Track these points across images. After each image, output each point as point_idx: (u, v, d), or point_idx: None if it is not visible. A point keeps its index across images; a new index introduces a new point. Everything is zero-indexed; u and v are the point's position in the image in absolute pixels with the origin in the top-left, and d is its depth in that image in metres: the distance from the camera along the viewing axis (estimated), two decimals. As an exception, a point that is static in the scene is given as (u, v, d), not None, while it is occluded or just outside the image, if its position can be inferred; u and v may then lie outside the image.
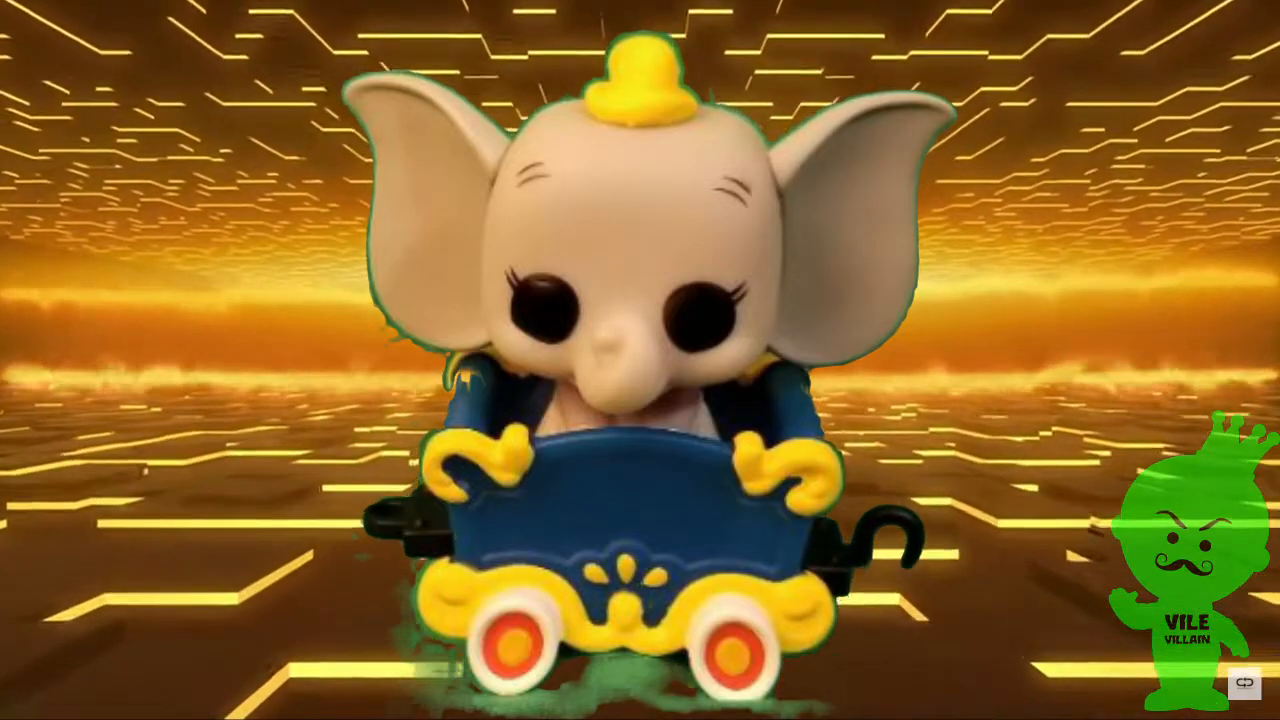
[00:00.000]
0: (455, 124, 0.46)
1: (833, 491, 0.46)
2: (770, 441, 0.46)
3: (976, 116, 2.95)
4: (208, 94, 2.66)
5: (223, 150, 3.30)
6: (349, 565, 0.92)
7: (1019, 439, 2.27)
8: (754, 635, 0.48)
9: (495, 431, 0.47)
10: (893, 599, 0.82)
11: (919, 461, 1.81)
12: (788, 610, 0.49)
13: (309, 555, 0.98)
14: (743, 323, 0.44)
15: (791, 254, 0.48)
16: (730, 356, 0.45)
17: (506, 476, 0.46)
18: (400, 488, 1.39)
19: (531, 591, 0.49)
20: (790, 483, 0.46)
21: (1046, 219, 4.98)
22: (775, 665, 0.48)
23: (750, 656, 0.48)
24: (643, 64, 0.44)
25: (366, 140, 0.50)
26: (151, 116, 2.94)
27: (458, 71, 2.42)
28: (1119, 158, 3.64)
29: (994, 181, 4.07)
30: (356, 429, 2.50)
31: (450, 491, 0.47)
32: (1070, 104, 2.93)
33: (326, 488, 1.46)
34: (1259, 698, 0.49)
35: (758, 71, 2.55)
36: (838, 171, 0.48)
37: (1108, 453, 1.97)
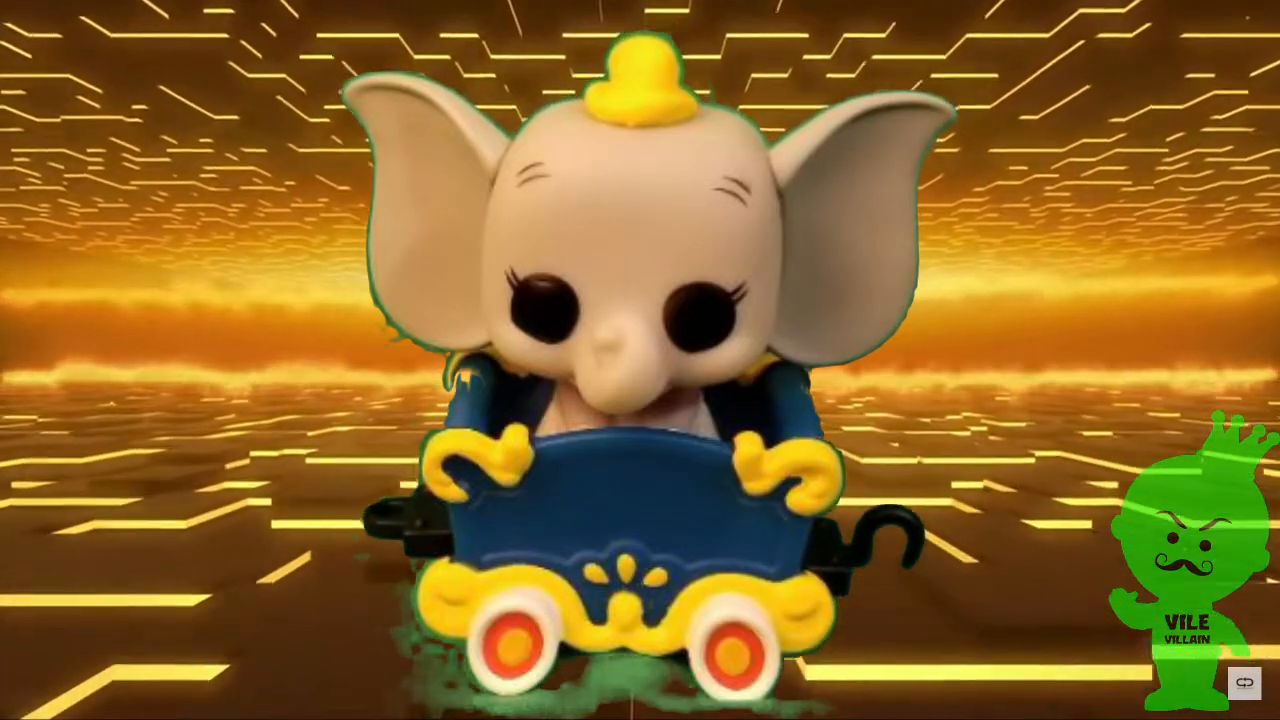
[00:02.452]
0: (455, 124, 0.46)
1: (832, 491, 0.46)
2: (770, 441, 0.46)
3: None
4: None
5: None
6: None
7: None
8: (754, 635, 0.48)
9: (495, 431, 0.47)
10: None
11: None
12: (788, 610, 0.49)
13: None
14: (743, 323, 0.44)
15: (791, 254, 0.48)
16: (730, 356, 0.45)
17: (506, 476, 0.46)
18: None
19: (531, 591, 0.49)
20: (790, 483, 0.46)
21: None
22: (775, 665, 0.48)
23: (750, 656, 0.48)
24: (642, 64, 0.44)
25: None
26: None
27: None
28: (1048, 188, 3.96)
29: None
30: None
31: (450, 491, 0.47)
32: (991, 150, 3.32)
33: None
34: (1259, 698, 0.49)
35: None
36: (838, 171, 0.48)
37: None
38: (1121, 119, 2.93)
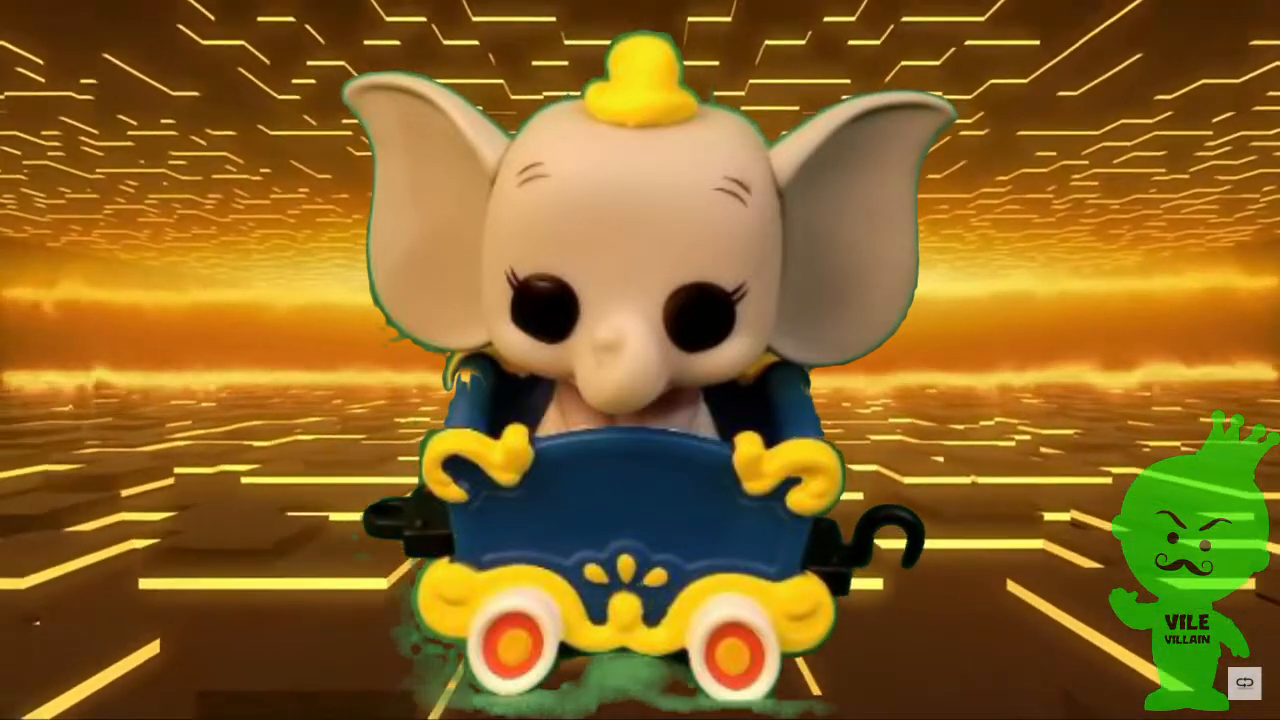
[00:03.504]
0: (455, 124, 0.46)
1: (833, 491, 0.46)
2: (770, 441, 0.46)
3: (937, 145, 2.95)
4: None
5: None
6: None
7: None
8: (754, 635, 0.48)
9: (495, 431, 0.46)
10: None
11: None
12: (788, 610, 0.49)
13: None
14: (743, 323, 0.44)
15: (791, 254, 0.48)
16: (730, 356, 0.45)
17: (506, 476, 0.46)
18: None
19: (531, 591, 0.49)
20: (790, 483, 0.46)
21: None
22: (775, 665, 0.48)
23: (750, 656, 0.48)
24: (643, 64, 0.44)
25: (367, 141, 0.50)
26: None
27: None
28: (1075, 176, 3.78)
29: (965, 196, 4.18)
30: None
31: (450, 491, 0.47)
32: (1020, 133, 3.17)
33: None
34: (1259, 698, 0.49)
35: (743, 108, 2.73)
36: (838, 171, 0.48)
37: None
38: (1168, 96, 2.78)
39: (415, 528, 0.51)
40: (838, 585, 0.50)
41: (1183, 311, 6.29)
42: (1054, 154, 3.50)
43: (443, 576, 0.49)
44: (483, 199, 0.46)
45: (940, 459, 1.81)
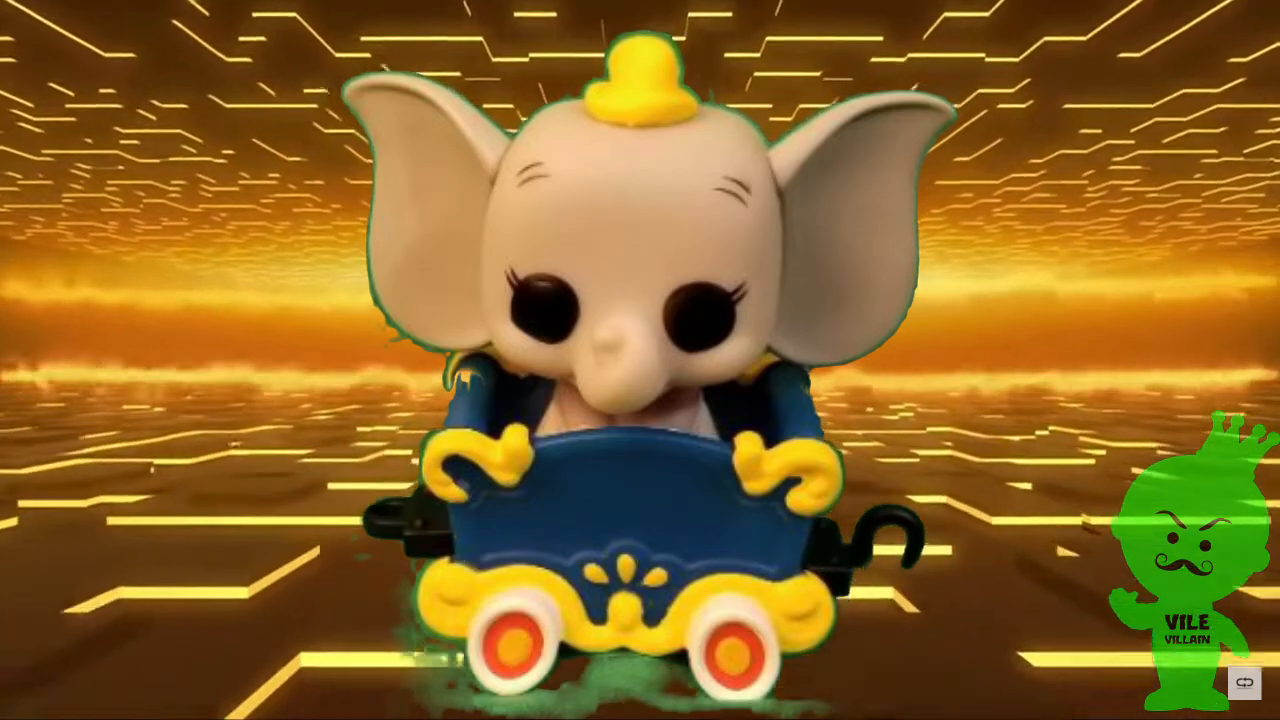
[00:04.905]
0: (455, 124, 0.46)
1: (832, 491, 0.46)
2: (770, 441, 0.46)
3: (974, 118, 2.90)
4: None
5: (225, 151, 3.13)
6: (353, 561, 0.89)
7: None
8: (754, 635, 0.48)
9: (495, 431, 0.47)
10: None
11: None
12: (788, 610, 0.49)
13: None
14: (743, 323, 0.44)
15: (791, 254, 0.48)
16: (730, 356, 0.45)
17: (506, 476, 0.46)
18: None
19: (531, 591, 0.49)
20: (790, 483, 0.46)
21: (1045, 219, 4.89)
22: (775, 665, 0.48)
23: (750, 656, 0.48)
24: (643, 64, 0.44)
25: (366, 140, 0.50)
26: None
27: (459, 74, 2.41)
28: (1116, 159, 3.57)
29: (993, 182, 4.00)
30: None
31: (450, 491, 0.47)
32: (1067, 105, 2.83)
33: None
34: (1259, 698, 0.49)
35: (757, 74, 2.51)
36: (838, 171, 0.48)
37: None
38: (1242, 59, 2.38)
39: (415, 528, 0.51)
40: (838, 585, 0.50)
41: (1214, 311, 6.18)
42: (1099, 131, 3.10)
43: (443, 576, 0.49)
44: (483, 199, 0.46)
45: (1026, 485, 1.43)
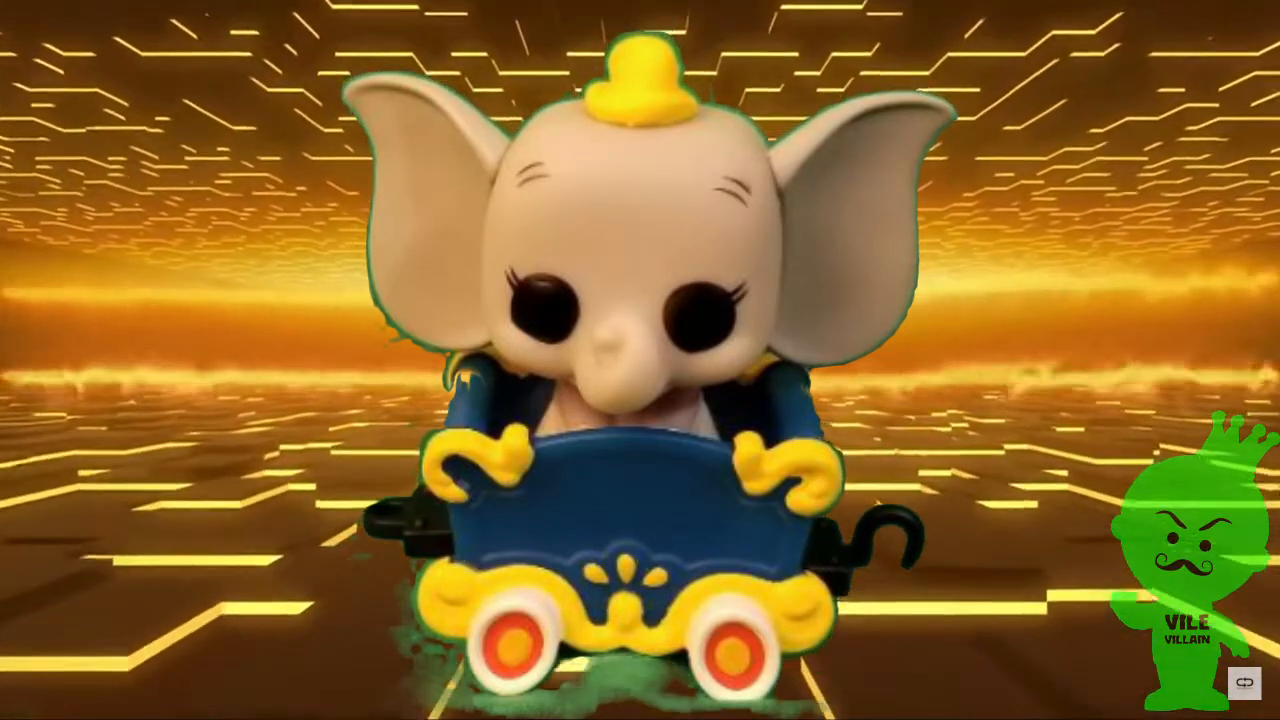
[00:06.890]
0: (455, 124, 0.46)
1: (832, 491, 0.46)
2: (770, 441, 0.46)
3: (1041, 70, 2.51)
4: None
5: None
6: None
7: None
8: (754, 635, 0.48)
9: (495, 431, 0.47)
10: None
11: None
12: (788, 610, 0.49)
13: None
14: (743, 323, 0.44)
15: (791, 254, 0.48)
16: (730, 356, 0.45)
17: (506, 476, 0.46)
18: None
19: (531, 591, 0.49)
20: (790, 483, 0.46)
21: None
22: (775, 665, 0.48)
23: (750, 656, 0.48)
24: (643, 64, 0.44)
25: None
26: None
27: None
28: (1190, 127, 3.16)
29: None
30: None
31: (450, 491, 0.47)
32: (1153, 53, 2.36)
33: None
34: (1259, 698, 0.49)
35: (784, 7, 2.10)
36: (838, 171, 0.48)
37: None
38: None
39: (415, 528, 0.51)
40: (838, 585, 0.50)
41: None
42: (1181, 90, 2.76)
43: (443, 576, 0.49)
44: (483, 199, 0.46)
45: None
